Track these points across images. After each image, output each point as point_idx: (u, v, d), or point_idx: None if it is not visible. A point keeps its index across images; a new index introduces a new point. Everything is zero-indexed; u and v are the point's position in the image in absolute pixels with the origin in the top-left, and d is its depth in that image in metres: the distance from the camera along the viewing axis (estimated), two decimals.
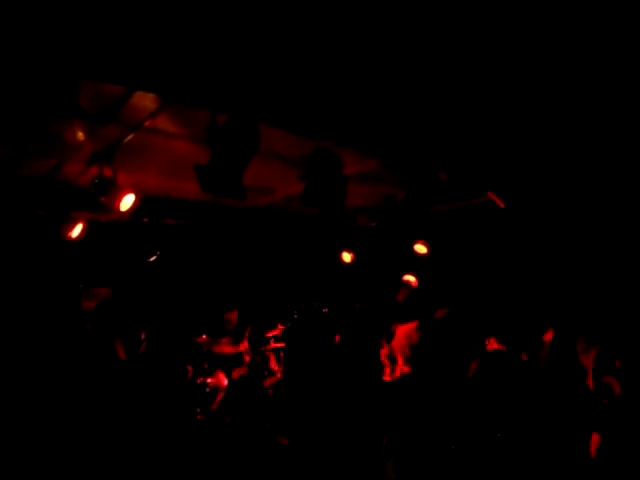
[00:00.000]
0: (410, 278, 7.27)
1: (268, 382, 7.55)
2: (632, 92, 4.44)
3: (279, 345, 7.77)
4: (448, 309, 6.43)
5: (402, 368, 5.33)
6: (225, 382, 7.33)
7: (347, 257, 8.22)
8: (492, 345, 4.83)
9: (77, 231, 6.14)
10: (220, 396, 7.15)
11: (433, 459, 3.55)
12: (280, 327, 7.88)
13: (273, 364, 7.75)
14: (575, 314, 5.28)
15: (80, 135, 4.97)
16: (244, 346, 7.66)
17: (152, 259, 7.47)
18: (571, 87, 4.47)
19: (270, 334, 7.87)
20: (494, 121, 4.96)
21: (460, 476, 3.54)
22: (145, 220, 7.29)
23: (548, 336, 4.73)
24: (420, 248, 7.44)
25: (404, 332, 6.56)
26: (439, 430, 3.68)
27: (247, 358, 7.72)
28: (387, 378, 6.59)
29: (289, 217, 8.20)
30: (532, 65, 4.22)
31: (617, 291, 5.55)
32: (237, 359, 7.67)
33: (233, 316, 7.80)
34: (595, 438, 3.75)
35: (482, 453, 3.77)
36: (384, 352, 7.08)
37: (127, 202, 5.59)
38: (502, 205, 6.00)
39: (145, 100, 4.34)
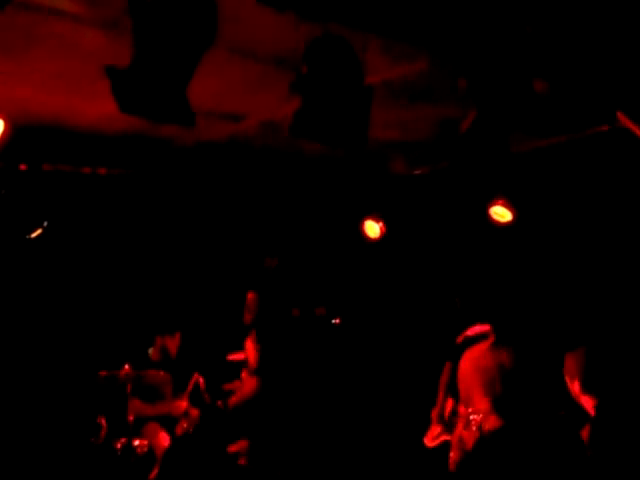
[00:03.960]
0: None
1: (238, 445, 7.57)
2: None
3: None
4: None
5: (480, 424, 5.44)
6: (165, 443, 7.32)
7: (373, 229, 8.30)
8: None
9: None
10: (156, 469, 7.16)
11: None
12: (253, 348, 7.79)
13: None
14: None
15: None
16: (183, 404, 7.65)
17: (34, 234, 7.44)
18: None
19: (235, 359, 7.87)
20: None
21: None
22: (22, 167, 7.29)
23: None
24: (500, 212, 7.54)
25: (472, 359, 6.69)
26: None
27: (194, 413, 7.62)
28: (430, 443, 6.72)
29: (272, 160, 8.16)
30: None
31: None
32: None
33: (171, 342, 7.79)
34: None
35: None
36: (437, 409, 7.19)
37: None
38: None
39: None
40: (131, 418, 7.25)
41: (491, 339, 7.01)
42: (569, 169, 7.49)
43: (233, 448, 7.47)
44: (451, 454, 6.66)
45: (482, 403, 6.14)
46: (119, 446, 7.11)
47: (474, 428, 6.44)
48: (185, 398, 7.65)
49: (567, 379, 4.77)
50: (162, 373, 7.59)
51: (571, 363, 4.76)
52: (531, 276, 7.78)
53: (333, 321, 8.23)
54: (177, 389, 7.74)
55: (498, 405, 4.42)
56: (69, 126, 6.94)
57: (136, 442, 7.16)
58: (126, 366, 7.30)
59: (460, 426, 6.60)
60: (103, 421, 7.25)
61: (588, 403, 4.63)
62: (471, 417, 6.52)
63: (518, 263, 7.73)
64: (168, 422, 7.52)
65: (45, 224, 7.43)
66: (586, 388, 4.62)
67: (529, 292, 7.61)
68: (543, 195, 7.72)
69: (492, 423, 4.40)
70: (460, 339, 6.97)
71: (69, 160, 7.55)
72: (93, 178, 7.77)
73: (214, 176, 8.23)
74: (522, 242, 7.76)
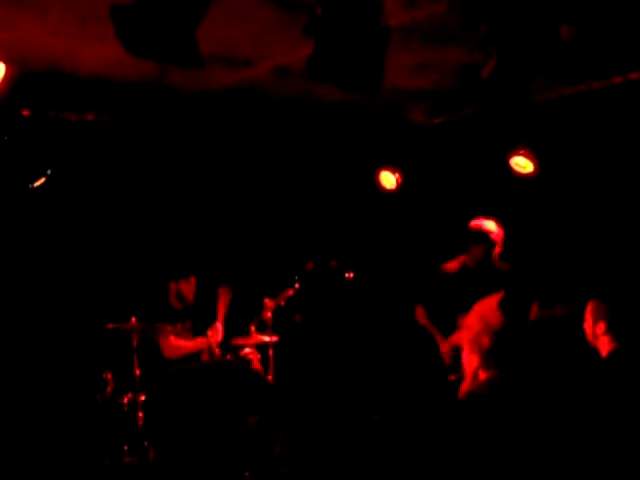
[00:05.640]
0: (489, 226, 7.22)
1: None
2: None
3: (267, 338, 7.77)
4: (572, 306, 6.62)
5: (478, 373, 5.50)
6: None
7: (388, 180, 8.32)
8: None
9: None
10: None
11: None
12: (269, 304, 7.85)
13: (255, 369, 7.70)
14: None
15: None
16: (208, 340, 7.65)
17: (38, 183, 7.40)
18: None
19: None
20: None
21: None
22: (25, 113, 7.25)
23: None
24: (520, 163, 7.51)
25: (480, 312, 6.74)
26: None
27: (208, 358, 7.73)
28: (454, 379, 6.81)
29: (283, 108, 8.13)
30: None
31: None
32: (192, 361, 7.60)
33: (186, 287, 7.75)
34: None
35: None
36: (445, 346, 7.24)
37: None
38: None
39: None
40: (137, 372, 7.22)
41: (501, 294, 6.99)
42: (594, 119, 7.39)
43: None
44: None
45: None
46: (125, 402, 7.11)
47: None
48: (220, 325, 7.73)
49: (590, 320, 5.18)
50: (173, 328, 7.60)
51: (597, 306, 5.21)
52: (551, 229, 7.76)
53: (346, 275, 8.18)
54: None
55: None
56: (74, 72, 6.85)
57: (143, 397, 7.16)
58: (132, 319, 7.30)
59: None
60: (109, 376, 7.25)
61: (605, 345, 5.08)
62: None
63: (538, 216, 7.69)
64: None
65: (49, 172, 7.40)
66: (610, 329, 5.03)
67: (548, 245, 7.58)
68: (566, 146, 7.63)
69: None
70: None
71: (74, 107, 7.49)
72: (98, 125, 7.73)
73: (222, 124, 8.17)
74: (543, 194, 7.71)
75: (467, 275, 7.25)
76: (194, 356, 7.68)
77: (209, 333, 7.60)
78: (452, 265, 7.42)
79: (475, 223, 7.23)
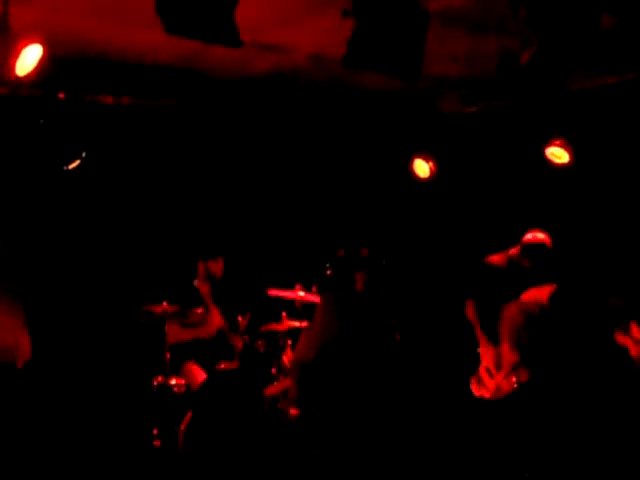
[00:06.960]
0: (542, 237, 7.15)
1: (276, 388, 7.59)
2: None
3: (297, 323, 7.76)
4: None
5: (517, 375, 5.44)
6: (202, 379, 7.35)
7: (422, 168, 8.24)
8: None
9: None
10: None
11: None
12: (300, 292, 7.83)
13: (287, 356, 7.69)
14: None
15: None
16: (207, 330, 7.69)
17: (72, 166, 7.41)
18: None
19: (276, 294, 7.82)
20: None
21: None
22: (61, 96, 7.26)
23: None
24: (557, 153, 7.45)
25: (525, 304, 6.62)
26: None
27: (239, 344, 7.75)
28: (487, 393, 6.69)
29: (319, 95, 8.13)
30: None
31: None
32: (223, 345, 7.68)
33: (214, 265, 7.79)
34: None
35: None
36: (485, 351, 7.16)
37: (29, 60, 5.62)
38: None
39: None
40: (168, 356, 7.28)
41: (553, 286, 6.89)
42: (633, 109, 7.32)
43: (274, 389, 7.53)
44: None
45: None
46: (155, 384, 7.15)
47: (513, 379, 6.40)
48: (216, 312, 7.74)
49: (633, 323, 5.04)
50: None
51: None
52: (585, 221, 7.69)
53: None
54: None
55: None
56: (111, 57, 6.91)
57: (173, 381, 7.19)
58: (164, 302, 7.33)
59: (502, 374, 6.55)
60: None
61: None
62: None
63: (573, 206, 7.63)
64: (208, 361, 7.53)
65: (83, 155, 7.40)
66: None
67: (581, 236, 7.53)
68: (603, 136, 7.56)
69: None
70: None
71: (110, 90, 7.53)
72: (134, 109, 7.77)
73: (257, 109, 8.18)
74: (578, 185, 7.65)
75: (516, 269, 7.18)
76: (226, 339, 7.73)
77: (208, 322, 7.66)
78: (499, 259, 7.33)
79: (529, 237, 7.16)
